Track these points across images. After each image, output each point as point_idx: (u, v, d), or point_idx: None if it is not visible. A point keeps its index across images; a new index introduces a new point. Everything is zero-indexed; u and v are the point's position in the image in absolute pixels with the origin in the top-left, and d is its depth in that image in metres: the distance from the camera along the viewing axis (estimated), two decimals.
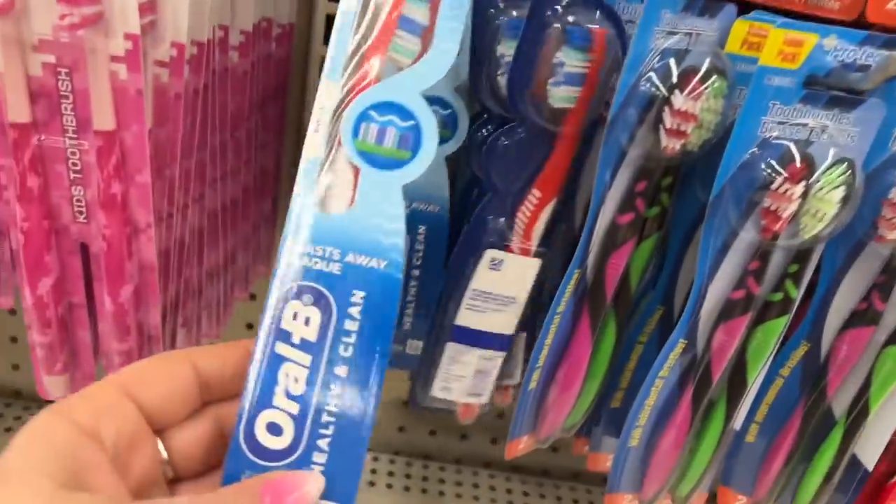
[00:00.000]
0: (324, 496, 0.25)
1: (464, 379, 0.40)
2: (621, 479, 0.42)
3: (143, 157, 0.31)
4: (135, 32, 0.29)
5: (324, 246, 0.25)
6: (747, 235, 0.34)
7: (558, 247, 0.38)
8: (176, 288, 0.39)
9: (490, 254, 0.37)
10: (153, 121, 0.32)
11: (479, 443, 0.64)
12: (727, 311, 0.37)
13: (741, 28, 0.34)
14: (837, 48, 0.32)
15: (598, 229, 0.36)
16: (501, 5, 0.35)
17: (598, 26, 0.33)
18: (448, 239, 0.39)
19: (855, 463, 0.40)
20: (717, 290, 0.36)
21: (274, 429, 0.25)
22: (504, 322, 0.39)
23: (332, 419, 0.25)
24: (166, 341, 0.40)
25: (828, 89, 0.33)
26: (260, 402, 0.25)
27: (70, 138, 0.32)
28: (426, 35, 0.25)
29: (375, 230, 0.25)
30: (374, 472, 0.62)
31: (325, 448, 0.25)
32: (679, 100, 0.32)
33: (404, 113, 0.25)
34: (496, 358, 0.40)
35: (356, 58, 0.25)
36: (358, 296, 0.25)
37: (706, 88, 0.32)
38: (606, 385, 0.42)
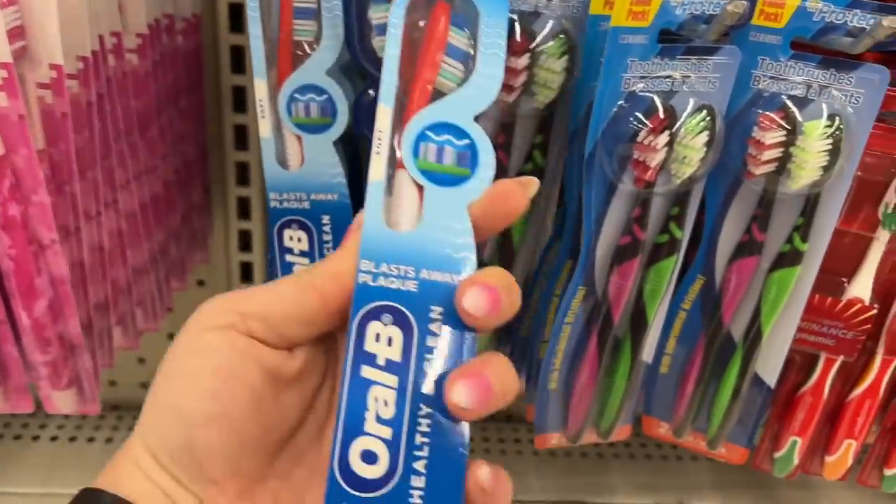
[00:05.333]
0: None
1: None
2: (547, 420, 0.45)
3: (37, 178, 0.32)
4: (6, 60, 0.30)
5: (398, 265, 0.25)
6: (625, 187, 0.37)
7: None
8: (104, 290, 0.41)
9: None
10: (45, 141, 0.34)
11: None
12: (618, 257, 0.39)
13: None
14: (685, 2, 0.33)
15: None
16: None
17: None
18: None
19: (759, 381, 0.43)
20: (607, 238, 0.38)
21: (369, 457, 0.24)
22: None
23: (426, 440, 0.25)
24: (104, 341, 0.42)
25: (684, 42, 0.35)
26: (351, 431, 0.24)
27: None
28: (470, 62, 0.26)
29: (445, 245, 0.25)
30: None
31: (423, 470, 0.24)
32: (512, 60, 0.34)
33: (459, 133, 0.26)
34: None
35: (407, 83, 0.26)
36: (436, 311, 0.25)
37: (538, 49, 0.34)
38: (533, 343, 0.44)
